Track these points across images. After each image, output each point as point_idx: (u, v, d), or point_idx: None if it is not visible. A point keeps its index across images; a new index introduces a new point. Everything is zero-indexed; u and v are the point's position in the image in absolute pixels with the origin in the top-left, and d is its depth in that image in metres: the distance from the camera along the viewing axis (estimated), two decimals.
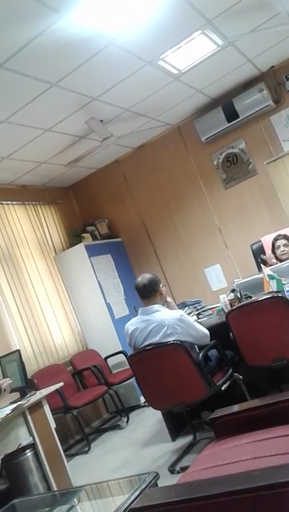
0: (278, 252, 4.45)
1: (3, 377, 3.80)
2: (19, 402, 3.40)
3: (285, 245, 4.44)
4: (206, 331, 3.37)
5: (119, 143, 5.75)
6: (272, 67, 5.51)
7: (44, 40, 3.32)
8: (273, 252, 4.53)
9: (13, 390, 3.60)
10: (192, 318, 3.72)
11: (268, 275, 3.55)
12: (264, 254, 4.69)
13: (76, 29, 3.35)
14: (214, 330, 3.47)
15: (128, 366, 3.83)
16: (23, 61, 3.47)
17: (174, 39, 4.07)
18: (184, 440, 3.87)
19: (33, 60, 3.51)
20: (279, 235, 4.54)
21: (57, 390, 3.98)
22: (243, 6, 3.90)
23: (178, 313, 3.32)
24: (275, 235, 4.62)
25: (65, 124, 4.78)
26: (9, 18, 3.00)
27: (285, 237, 4.49)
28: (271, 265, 4.21)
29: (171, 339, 3.17)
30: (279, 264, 4.08)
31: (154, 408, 3.60)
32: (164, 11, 3.56)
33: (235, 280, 4.13)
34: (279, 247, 4.45)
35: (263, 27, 4.37)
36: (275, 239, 4.53)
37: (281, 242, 4.46)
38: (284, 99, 5.57)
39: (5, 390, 3.34)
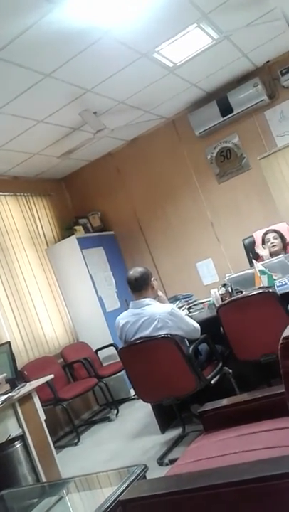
0: (268, 245, 4.48)
1: None
2: (9, 394, 3.40)
3: (274, 238, 4.47)
4: (197, 325, 3.38)
5: (113, 135, 5.73)
6: (268, 62, 5.50)
7: (38, 31, 3.28)
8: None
9: None
10: (183, 312, 3.73)
11: (259, 270, 3.57)
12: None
13: (70, 20, 3.32)
14: (205, 324, 3.49)
15: (118, 359, 3.84)
16: (16, 51, 3.43)
17: (169, 32, 4.04)
18: (173, 433, 3.89)
19: (27, 50, 3.47)
20: (269, 230, 4.59)
21: (47, 382, 3.98)
22: (238, 0, 3.89)
23: (169, 306, 3.34)
24: (266, 230, 4.65)
25: (58, 115, 4.75)
26: (3, 8, 2.96)
27: (274, 231, 4.53)
28: (265, 257, 4.25)
29: (161, 333, 3.19)
30: (270, 259, 4.09)
31: (144, 401, 3.62)
32: (160, 3, 3.53)
33: (227, 275, 4.15)
34: (269, 240, 4.48)
35: (259, 22, 4.36)
36: (265, 233, 4.57)
37: (271, 235, 4.50)
38: (278, 95, 5.57)
39: (0, 383, 3.34)
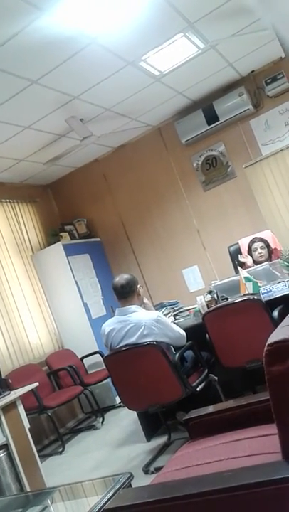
0: (255, 254, 4.50)
1: None
2: None
3: (261, 248, 4.50)
4: (183, 332, 3.39)
5: (99, 142, 5.73)
6: (253, 71, 5.58)
7: (25, 37, 3.28)
8: (250, 254, 4.58)
9: None
10: (169, 319, 3.73)
11: (245, 277, 3.59)
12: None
13: (58, 27, 3.32)
14: (191, 331, 3.49)
15: (104, 367, 3.82)
16: (3, 57, 3.42)
17: (156, 40, 4.07)
18: (159, 441, 3.88)
19: (14, 56, 3.47)
20: (255, 238, 4.60)
21: (32, 390, 3.95)
22: (224, 10, 3.94)
23: (155, 314, 3.33)
24: (252, 237, 4.68)
25: (45, 121, 4.74)
26: None
27: (261, 239, 4.56)
28: (249, 267, 4.26)
29: (147, 340, 3.18)
30: (255, 266, 4.12)
31: (130, 408, 3.61)
32: (147, 12, 3.56)
33: (213, 282, 4.17)
34: (256, 249, 4.51)
35: (244, 32, 4.41)
36: (252, 241, 4.58)
37: (258, 244, 4.52)
38: (263, 104, 5.64)
39: None
